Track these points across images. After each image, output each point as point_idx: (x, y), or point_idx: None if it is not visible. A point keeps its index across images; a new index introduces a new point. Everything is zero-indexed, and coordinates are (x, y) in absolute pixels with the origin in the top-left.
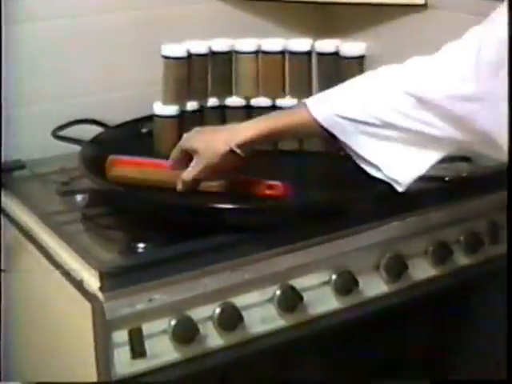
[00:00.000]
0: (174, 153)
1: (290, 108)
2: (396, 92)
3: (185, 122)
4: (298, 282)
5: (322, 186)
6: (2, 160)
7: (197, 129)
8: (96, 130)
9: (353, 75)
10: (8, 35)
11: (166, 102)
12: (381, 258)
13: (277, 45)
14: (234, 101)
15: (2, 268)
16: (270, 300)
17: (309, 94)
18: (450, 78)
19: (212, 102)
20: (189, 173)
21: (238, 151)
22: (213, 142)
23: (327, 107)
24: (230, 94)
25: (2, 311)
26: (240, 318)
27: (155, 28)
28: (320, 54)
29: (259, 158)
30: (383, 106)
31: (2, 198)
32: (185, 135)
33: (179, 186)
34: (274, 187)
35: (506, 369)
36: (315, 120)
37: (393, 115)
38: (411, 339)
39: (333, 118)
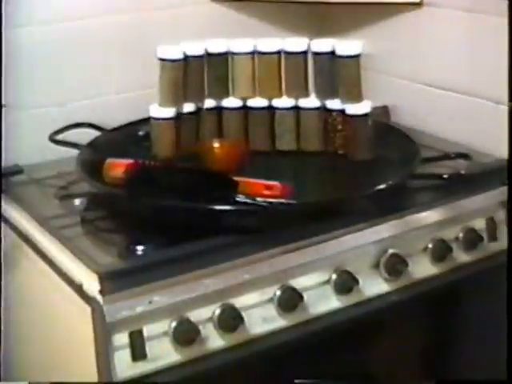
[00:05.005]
0: None
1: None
2: None
3: (182, 123)
4: (298, 282)
5: (319, 186)
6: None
7: None
8: (93, 133)
9: (349, 74)
10: (6, 39)
11: (162, 104)
12: (380, 257)
13: (273, 45)
14: (231, 102)
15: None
16: (270, 300)
17: (305, 93)
18: None
19: (209, 103)
20: None
21: None
22: None
23: None
24: (227, 95)
25: (2, 315)
26: (240, 319)
27: (150, 30)
28: (316, 54)
29: (257, 159)
30: None
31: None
32: None
33: None
34: (273, 188)
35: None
36: None
37: None
38: (412, 338)
39: None
